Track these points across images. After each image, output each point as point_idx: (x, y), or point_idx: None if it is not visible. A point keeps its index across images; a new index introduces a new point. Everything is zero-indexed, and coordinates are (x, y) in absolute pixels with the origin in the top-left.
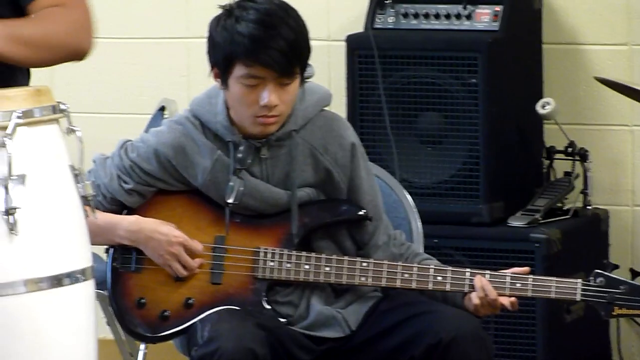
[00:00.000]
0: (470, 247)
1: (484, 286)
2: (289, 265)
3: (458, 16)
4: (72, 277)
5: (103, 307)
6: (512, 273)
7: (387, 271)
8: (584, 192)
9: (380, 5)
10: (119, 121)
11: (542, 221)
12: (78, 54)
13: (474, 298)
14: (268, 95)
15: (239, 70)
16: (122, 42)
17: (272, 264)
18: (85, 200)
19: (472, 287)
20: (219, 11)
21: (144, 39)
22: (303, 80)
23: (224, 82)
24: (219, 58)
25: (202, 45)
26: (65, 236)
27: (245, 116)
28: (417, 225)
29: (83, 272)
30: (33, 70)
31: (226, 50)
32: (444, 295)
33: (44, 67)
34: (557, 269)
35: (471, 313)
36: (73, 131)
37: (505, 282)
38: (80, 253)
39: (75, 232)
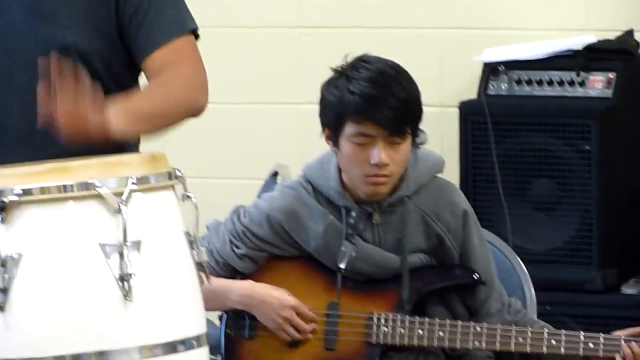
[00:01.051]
0: (584, 315)
1: (636, 357)
2: (402, 330)
3: (571, 83)
4: (187, 344)
5: None
6: (627, 335)
7: (501, 335)
8: None
9: (493, 71)
10: (232, 187)
11: None
12: (195, 112)
13: None
14: (378, 154)
15: (349, 129)
16: (235, 107)
17: (385, 329)
18: (200, 266)
19: (588, 350)
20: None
21: (257, 104)
22: (415, 145)
23: (336, 142)
24: (331, 117)
25: (316, 110)
26: (179, 302)
27: (357, 176)
28: (530, 292)
29: (197, 338)
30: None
31: (337, 109)
32: None
33: (163, 132)
34: None
35: None
36: (188, 197)
37: (620, 344)
38: (194, 319)
39: (189, 299)
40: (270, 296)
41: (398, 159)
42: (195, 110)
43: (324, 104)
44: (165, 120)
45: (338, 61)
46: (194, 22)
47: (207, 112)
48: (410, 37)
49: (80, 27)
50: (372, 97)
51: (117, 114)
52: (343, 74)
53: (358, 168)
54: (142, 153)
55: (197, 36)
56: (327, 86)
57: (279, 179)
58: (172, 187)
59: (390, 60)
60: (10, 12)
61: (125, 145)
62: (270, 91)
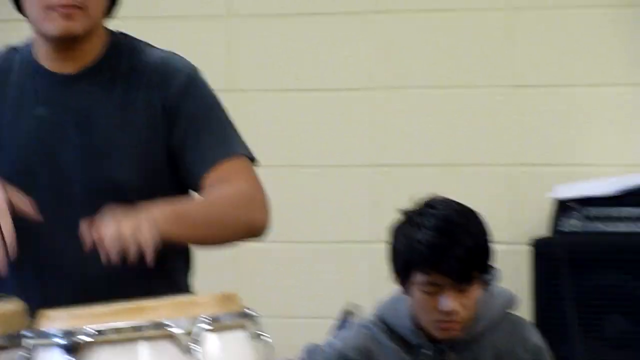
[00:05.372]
0: None
1: None
2: None
3: None
4: None
5: None
6: None
7: None
8: None
9: (564, 208)
10: (305, 326)
11: None
12: (253, 230)
13: None
14: (447, 303)
15: (418, 278)
16: (307, 246)
17: None
18: None
19: None
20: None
21: (331, 243)
22: (486, 284)
23: (405, 289)
24: (399, 265)
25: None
26: None
27: (428, 321)
28: None
29: None
30: (220, 276)
31: (405, 258)
32: None
33: (219, 246)
34: None
35: None
36: (261, 337)
37: None
38: None
39: None
40: None
41: (468, 303)
42: (255, 230)
43: (392, 251)
44: (214, 230)
45: (407, 199)
46: (248, 149)
47: (278, 251)
48: (479, 173)
49: (132, 164)
50: (439, 248)
51: (164, 215)
52: (410, 220)
53: (429, 315)
54: (214, 293)
55: (253, 161)
56: (395, 233)
57: (352, 318)
58: (245, 326)
59: (458, 204)
60: (65, 153)
61: (182, 286)
62: (343, 229)
